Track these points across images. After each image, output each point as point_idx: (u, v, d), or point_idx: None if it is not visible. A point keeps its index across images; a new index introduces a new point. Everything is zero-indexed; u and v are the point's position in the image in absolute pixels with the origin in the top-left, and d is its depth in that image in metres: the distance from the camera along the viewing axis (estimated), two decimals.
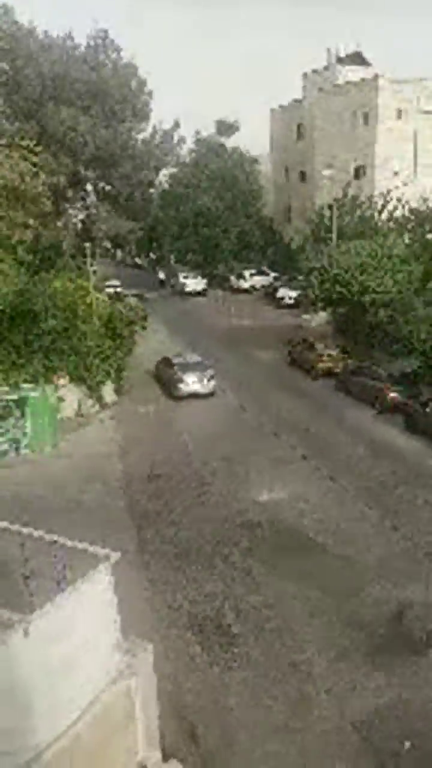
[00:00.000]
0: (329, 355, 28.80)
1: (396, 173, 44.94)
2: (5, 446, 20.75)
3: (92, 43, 43.28)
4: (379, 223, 39.04)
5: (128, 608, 8.33)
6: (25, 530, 8.29)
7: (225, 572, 14.14)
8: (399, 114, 45.78)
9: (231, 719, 10.21)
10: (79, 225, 45.96)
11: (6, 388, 21.08)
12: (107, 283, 43.31)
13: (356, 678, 10.98)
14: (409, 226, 37.46)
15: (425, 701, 10.45)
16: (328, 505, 17.18)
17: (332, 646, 11.78)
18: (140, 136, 47.81)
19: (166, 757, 8.72)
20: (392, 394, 23.82)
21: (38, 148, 27.19)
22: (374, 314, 27.92)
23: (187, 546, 15.28)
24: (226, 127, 59.81)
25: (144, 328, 27.81)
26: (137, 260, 77.40)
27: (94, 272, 29.77)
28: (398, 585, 13.50)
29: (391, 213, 39.91)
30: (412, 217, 38.23)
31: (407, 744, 9.60)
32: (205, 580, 13.84)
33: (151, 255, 73.85)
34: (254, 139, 57.71)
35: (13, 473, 19.55)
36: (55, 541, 7.91)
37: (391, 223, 38.90)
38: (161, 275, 58.46)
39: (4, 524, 8.54)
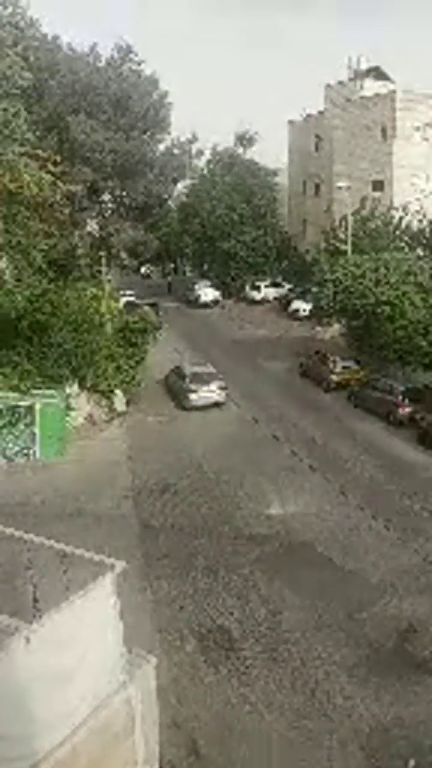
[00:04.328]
0: (342, 368, 28.67)
1: (414, 186, 44.87)
2: (15, 452, 20.85)
3: (115, 55, 43.83)
4: (396, 240, 38.92)
5: (132, 619, 8.28)
6: (30, 537, 8.28)
7: (232, 584, 14.04)
8: (417, 128, 45.79)
9: (233, 733, 10.09)
10: (96, 235, 46.32)
11: (17, 395, 21.19)
12: (121, 292, 43.58)
13: (362, 694, 10.82)
14: (425, 240, 37.35)
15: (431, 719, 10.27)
16: (339, 518, 17.04)
17: (338, 661, 11.63)
18: (160, 148, 48.24)
19: None
20: (405, 408, 23.64)
21: (58, 158, 27.49)
22: (389, 327, 27.75)
23: (194, 557, 15.20)
24: (245, 140, 60.16)
25: (155, 338, 27.85)
26: (147, 270, 78.24)
27: (109, 281, 29.96)
28: (407, 601, 13.33)
29: (407, 226, 39.83)
30: (428, 231, 38.12)
31: (412, 762, 9.42)
32: (212, 592, 13.75)
33: (165, 265, 74.60)
34: (271, 151, 57.99)
35: (21, 479, 19.62)
36: (61, 549, 7.89)
37: (406, 237, 38.80)
38: (169, 279, 64.86)
39: (10, 531, 8.55)
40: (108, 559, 7.75)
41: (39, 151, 25.28)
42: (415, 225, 40.12)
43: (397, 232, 39.76)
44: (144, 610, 12.66)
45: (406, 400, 23.86)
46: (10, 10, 29.21)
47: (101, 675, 7.49)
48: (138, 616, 11.20)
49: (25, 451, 20.95)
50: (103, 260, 29.77)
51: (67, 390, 22.99)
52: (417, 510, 17.52)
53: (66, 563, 7.95)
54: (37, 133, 31.81)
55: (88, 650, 7.23)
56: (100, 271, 30.65)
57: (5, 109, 24.31)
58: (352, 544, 15.69)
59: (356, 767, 9.48)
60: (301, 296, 45.91)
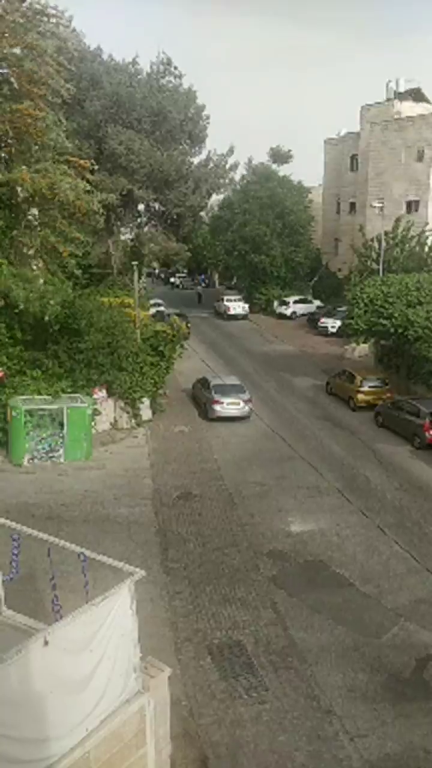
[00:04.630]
0: (370, 387, 28.40)
1: None
2: (41, 455, 21.04)
3: (155, 68, 44.41)
4: (429, 261, 38.63)
5: (148, 628, 8.26)
6: (53, 540, 8.32)
7: (249, 600, 13.93)
8: None
9: (244, 752, 9.96)
10: (129, 243, 46.77)
11: (46, 398, 21.43)
12: (152, 302, 43.91)
13: (375, 722, 10.61)
14: None
15: None
16: (359, 540, 16.80)
17: (353, 686, 11.43)
18: (195, 160, 48.62)
19: None
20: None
21: (95, 167, 27.88)
22: (418, 349, 27.46)
23: (212, 569, 15.13)
24: (280, 156, 60.39)
25: (183, 347, 28.00)
26: (178, 280, 78.96)
27: (140, 290, 30.21)
28: (427, 629, 13.05)
29: None
30: None
31: None
32: (228, 606, 13.66)
33: (196, 276, 75.32)
34: (307, 169, 58.16)
35: (46, 481, 19.77)
36: (82, 553, 7.92)
37: None
38: (198, 289, 66.34)
39: (34, 533, 8.59)
40: (127, 567, 7.75)
41: (76, 159, 25.64)
42: None
43: None
44: (160, 620, 12.62)
45: None
46: (54, 21, 29.82)
47: (116, 682, 7.47)
48: (154, 626, 11.17)
49: (52, 454, 21.12)
50: (135, 269, 30.01)
51: (95, 395, 23.17)
52: None
53: (87, 568, 7.96)
54: (76, 142, 32.40)
55: (104, 656, 7.22)
56: (132, 280, 30.92)
57: (45, 118, 24.79)
58: (372, 568, 15.45)
59: None
60: (330, 313, 45.76)
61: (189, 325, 39.33)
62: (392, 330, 29.11)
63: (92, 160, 27.00)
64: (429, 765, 9.82)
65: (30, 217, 23.00)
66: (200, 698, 10.98)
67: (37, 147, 22.69)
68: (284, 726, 10.47)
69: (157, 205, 46.31)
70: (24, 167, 21.27)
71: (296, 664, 11.91)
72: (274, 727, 10.43)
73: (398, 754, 9.99)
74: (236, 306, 52.93)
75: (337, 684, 11.44)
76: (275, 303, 53.14)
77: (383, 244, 38.44)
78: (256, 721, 10.54)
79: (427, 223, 43.31)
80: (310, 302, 52.36)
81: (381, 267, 36.94)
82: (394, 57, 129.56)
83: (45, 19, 26.03)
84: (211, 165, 48.37)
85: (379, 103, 52.81)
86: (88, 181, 24.53)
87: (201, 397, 27.57)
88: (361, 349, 36.35)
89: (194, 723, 10.37)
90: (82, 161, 25.16)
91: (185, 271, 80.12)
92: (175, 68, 43.90)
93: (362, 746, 10.11)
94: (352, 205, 55.02)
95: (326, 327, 44.63)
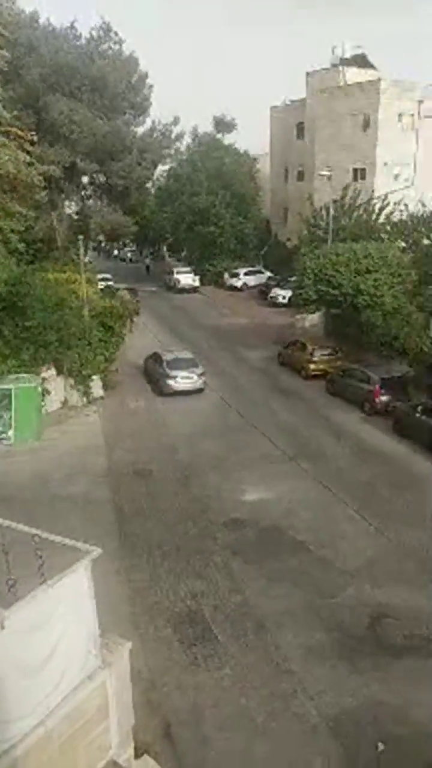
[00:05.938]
0: (321, 356, 28.79)
1: (396, 177, 45.00)
2: None
3: (94, 34, 42.91)
4: (377, 228, 38.99)
5: (107, 603, 8.29)
6: (5, 522, 8.20)
7: (206, 570, 14.14)
8: (401, 117, 45.82)
9: (206, 717, 10.19)
10: (74, 217, 45.67)
11: None
12: (99, 276, 43.14)
13: (332, 679, 11.01)
14: (405, 231, 37.47)
15: (400, 705, 10.48)
16: (314, 506, 17.19)
17: (310, 646, 11.79)
18: (139, 130, 47.54)
19: (139, 754, 8.69)
20: (382, 398, 23.85)
21: (35, 138, 26.98)
22: (367, 317, 27.91)
23: (170, 542, 15.26)
24: (224, 125, 59.68)
25: (133, 322, 27.74)
26: (125, 253, 77.87)
27: (86, 264, 29.58)
28: (380, 588, 13.53)
29: (387, 216, 39.93)
30: (409, 222, 38.26)
31: (381, 746, 9.63)
32: (186, 577, 13.84)
33: (144, 249, 74.43)
34: (254, 137, 57.73)
35: None
36: (36, 535, 7.83)
37: (387, 227, 38.90)
38: (147, 261, 66.99)
39: None
40: (83, 545, 7.72)
41: (15, 130, 24.69)
42: (396, 215, 40.20)
43: (380, 221, 39.82)
44: (119, 595, 12.69)
45: (383, 390, 24.06)
46: None
47: (76, 659, 7.49)
48: (113, 601, 11.21)
49: (1, 435, 20.72)
50: (81, 243, 29.34)
51: (44, 374, 22.78)
52: (391, 499, 17.71)
53: (41, 548, 7.89)
54: (14, 112, 31.16)
55: (63, 635, 7.22)
56: (78, 254, 30.28)
57: None
58: (327, 531, 15.85)
59: (327, 750, 9.66)
60: (281, 284, 45.90)
61: (138, 300, 38.94)
62: (341, 299, 29.45)
63: (32, 131, 26.09)
64: (383, 716, 10.27)
65: None
66: (161, 668, 11.15)
67: None
68: (245, 689, 10.76)
69: (101, 177, 45.20)
70: None
71: (255, 629, 12.20)
72: (234, 691, 10.71)
73: (355, 708, 10.41)
74: (186, 278, 52.46)
75: (294, 645, 11.79)
76: (226, 275, 52.94)
77: (331, 212, 38.57)
78: (217, 687, 10.80)
79: (373, 191, 43.65)
80: (261, 273, 52.35)
81: (330, 236, 37.12)
82: (340, 21, 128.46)
83: None
84: (156, 135, 47.40)
85: (324, 69, 52.50)
86: (28, 153, 23.75)
87: (154, 373, 27.40)
88: (312, 318, 36.67)
89: (156, 693, 10.54)
90: (21, 132, 24.30)
91: (132, 244, 79.00)
92: (116, 34, 42.51)
93: (320, 702, 10.49)
94: (300, 174, 54.96)
95: (277, 298, 44.80)
